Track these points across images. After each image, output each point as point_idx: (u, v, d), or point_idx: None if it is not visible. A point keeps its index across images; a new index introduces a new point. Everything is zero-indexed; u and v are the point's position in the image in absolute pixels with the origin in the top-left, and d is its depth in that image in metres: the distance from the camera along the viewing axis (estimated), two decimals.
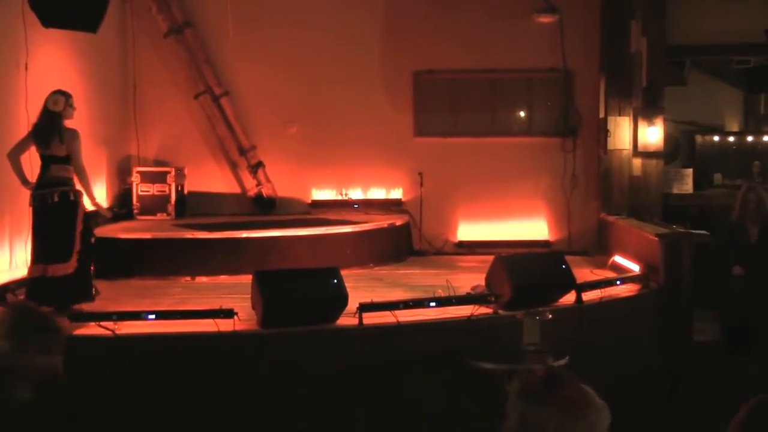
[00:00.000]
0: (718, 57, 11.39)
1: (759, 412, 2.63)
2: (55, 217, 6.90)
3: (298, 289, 6.35)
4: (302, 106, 11.26)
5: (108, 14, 7.83)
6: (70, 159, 7.00)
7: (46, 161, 6.98)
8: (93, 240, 7.16)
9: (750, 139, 12.44)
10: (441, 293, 7.16)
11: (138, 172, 10.76)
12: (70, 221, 6.90)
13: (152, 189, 10.70)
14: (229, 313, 6.18)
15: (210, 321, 6.16)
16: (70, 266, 6.81)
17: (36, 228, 6.93)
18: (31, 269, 6.87)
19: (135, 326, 6.18)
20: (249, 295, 6.52)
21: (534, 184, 11.29)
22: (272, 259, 8.77)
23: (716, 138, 12.40)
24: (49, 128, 6.95)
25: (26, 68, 7.94)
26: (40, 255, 6.84)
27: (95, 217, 7.32)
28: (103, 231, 9.22)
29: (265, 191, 11.35)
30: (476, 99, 11.41)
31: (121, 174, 10.89)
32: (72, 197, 6.95)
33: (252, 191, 11.35)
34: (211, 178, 11.38)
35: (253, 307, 6.43)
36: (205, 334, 6.11)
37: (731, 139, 12.46)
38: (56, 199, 6.87)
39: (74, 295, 6.85)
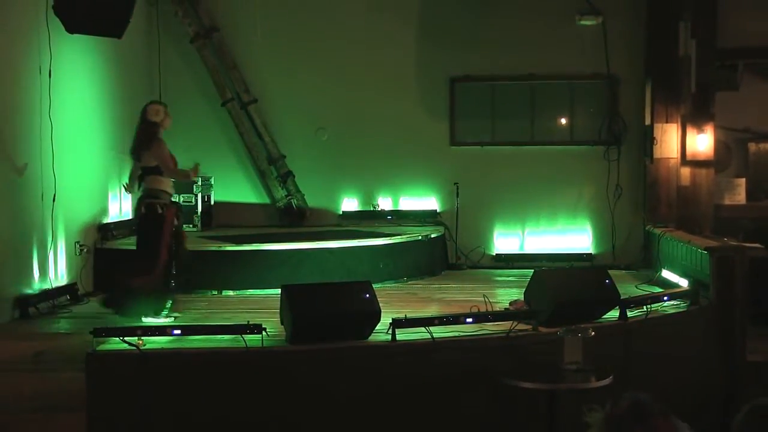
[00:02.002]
0: None
1: (755, 415, 2.65)
2: (145, 230, 7.40)
3: (329, 304, 6.38)
4: (333, 113, 11.35)
5: (133, 19, 7.96)
6: (161, 170, 7.39)
7: (142, 171, 7.44)
8: (182, 255, 7.53)
9: None
10: (478, 308, 7.17)
11: None
12: (154, 234, 7.30)
13: (178, 199, 10.81)
14: (257, 329, 6.22)
15: (237, 337, 6.22)
16: (151, 280, 7.21)
17: (136, 238, 7.53)
18: (123, 276, 7.29)
19: (160, 342, 6.24)
20: (278, 310, 6.55)
21: (576, 195, 11.27)
22: (302, 273, 8.83)
23: None
24: (144, 139, 7.37)
25: (50, 74, 8.09)
26: (132, 265, 7.38)
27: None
28: (127, 243, 9.35)
29: (295, 202, 11.42)
30: (515, 106, 11.43)
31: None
32: (159, 210, 7.32)
33: (281, 202, 11.44)
34: (239, 188, 11.48)
35: (282, 323, 6.46)
36: (232, 350, 6.16)
37: None
38: (143, 210, 7.34)
39: (148, 310, 7.20)
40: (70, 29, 7.59)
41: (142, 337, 6.12)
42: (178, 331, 6.33)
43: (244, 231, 10.54)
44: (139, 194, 7.56)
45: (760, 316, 9.01)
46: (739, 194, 11.13)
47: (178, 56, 11.40)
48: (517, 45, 11.14)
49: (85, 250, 8.95)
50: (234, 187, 11.41)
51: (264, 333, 6.22)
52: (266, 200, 11.58)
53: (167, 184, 7.51)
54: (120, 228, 9.77)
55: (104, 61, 9.67)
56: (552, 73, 11.25)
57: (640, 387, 6.52)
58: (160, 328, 6.39)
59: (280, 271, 8.83)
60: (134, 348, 6.01)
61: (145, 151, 7.41)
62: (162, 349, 6.14)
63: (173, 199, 7.70)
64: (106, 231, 9.45)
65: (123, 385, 5.93)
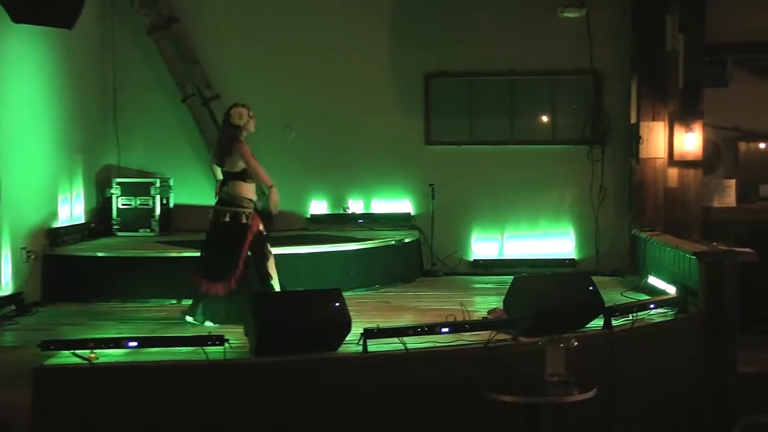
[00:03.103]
0: (763, 56, 11.36)
1: None
2: (223, 237, 7.69)
3: (296, 314, 6.35)
4: (301, 111, 11.31)
5: (85, 9, 7.90)
6: (246, 174, 7.71)
7: (224, 176, 7.80)
8: (267, 264, 7.81)
9: None
10: (455, 317, 7.15)
11: (118, 183, 10.82)
12: (236, 244, 7.64)
13: (134, 202, 10.75)
14: (219, 340, 6.18)
15: (198, 349, 6.16)
16: (225, 287, 7.55)
17: (206, 241, 7.84)
18: (193, 278, 7.68)
19: (114, 355, 6.18)
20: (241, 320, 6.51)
21: (558, 197, 11.31)
22: None
23: (762, 145, 12.31)
24: (227, 144, 7.70)
25: None
26: (203, 269, 7.68)
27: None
28: (78, 249, 9.28)
29: (260, 205, 11.35)
30: (494, 103, 11.45)
31: (99, 186, 10.94)
32: (244, 220, 7.67)
33: None
34: (200, 190, 11.36)
35: (246, 334, 6.43)
36: (193, 363, 6.11)
37: None
38: (227, 219, 7.67)
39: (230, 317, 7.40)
40: (17, 19, 7.50)
41: (95, 350, 6.05)
42: (134, 343, 6.26)
43: None
44: (216, 200, 7.91)
45: (751, 325, 9.08)
46: (729, 196, 11.17)
47: (135, 49, 11.33)
48: (496, 39, 11.16)
49: (32, 256, 8.83)
50: (195, 189, 11.32)
51: (227, 344, 6.18)
52: None
53: (251, 190, 7.83)
54: (71, 233, 9.68)
55: (54, 54, 9.57)
56: (533, 69, 11.27)
57: (626, 400, 6.55)
58: (114, 339, 6.32)
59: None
60: (86, 362, 5.95)
61: (228, 156, 7.70)
62: (116, 362, 6.08)
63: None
64: (55, 236, 9.35)
65: (73, 403, 5.85)
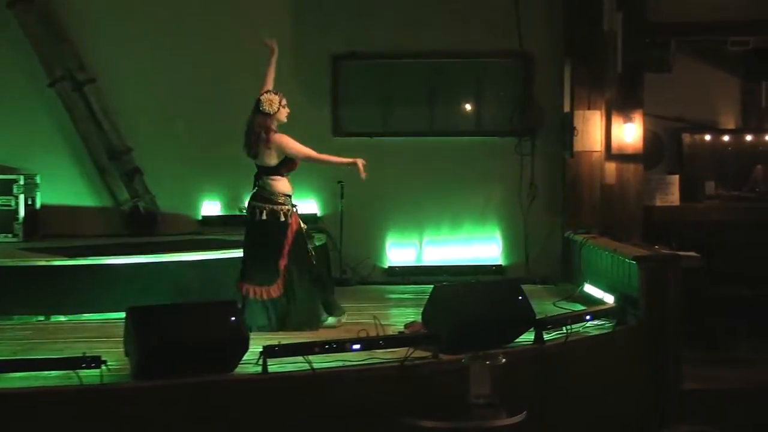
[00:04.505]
0: (711, 37, 11.58)
1: None
2: (262, 236, 8.04)
3: (184, 330, 6.29)
4: (191, 99, 11.24)
5: None
6: (283, 167, 8.03)
7: (258, 171, 8.10)
8: (312, 262, 8.21)
9: (749, 138, 12.67)
10: (367, 332, 7.17)
11: None
12: (276, 243, 8.00)
13: None
14: (95, 362, 6.10)
15: (70, 372, 6.08)
16: (274, 290, 7.94)
17: (246, 242, 8.19)
18: (239, 284, 8.02)
19: None
20: (121, 339, 6.44)
21: (483, 196, 11.43)
22: (152, 292, 8.66)
23: (708, 137, 12.61)
24: (255, 134, 8.00)
25: None
26: (247, 273, 8.06)
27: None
28: None
29: (143, 205, 11.27)
30: (412, 89, 11.54)
31: None
32: (282, 218, 7.98)
33: (126, 205, 11.31)
34: (72, 189, 11.27)
35: (127, 354, 6.36)
36: (64, 389, 6.02)
37: (726, 138, 12.67)
38: (264, 217, 7.96)
39: (294, 322, 7.95)
40: None
41: None
42: None
43: (80, 241, 10.34)
44: (251, 195, 8.18)
45: (697, 337, 9.27)
46: (672, 194, 11.42)
47: None
48: (414, 16, 11.24)
49: None
50: (66, 188, 11.21)
51: (104, 367, 6.11)
52: (107, 203, 11.43)
53: (288, 185, 8.13)
54: None
55: None
56: (455, 50, 11.37)
57: (560, 423, 6.65)
58: None
59: (124, 290, 8.68)
60: None
61: (264, 149, 7.97)
62: None
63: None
64: None
65: None
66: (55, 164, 11.19)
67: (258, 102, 8.13)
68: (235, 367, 6.42)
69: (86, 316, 8.70)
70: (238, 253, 9.55)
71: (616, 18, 10.66)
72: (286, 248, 8.02)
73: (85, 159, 11.33)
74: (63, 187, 11.17)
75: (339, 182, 11.14)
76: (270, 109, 8.08)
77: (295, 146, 8.03)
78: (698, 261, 8.50)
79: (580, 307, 8.76)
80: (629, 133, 10.79)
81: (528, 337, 7.35)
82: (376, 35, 11.27)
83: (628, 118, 10.78)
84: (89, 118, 11.17)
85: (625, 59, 10.67)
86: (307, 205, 11.35)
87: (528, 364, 7.04)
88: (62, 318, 8.71)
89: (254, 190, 8.16)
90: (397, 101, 11.55)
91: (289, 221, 8.05)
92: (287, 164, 8.09)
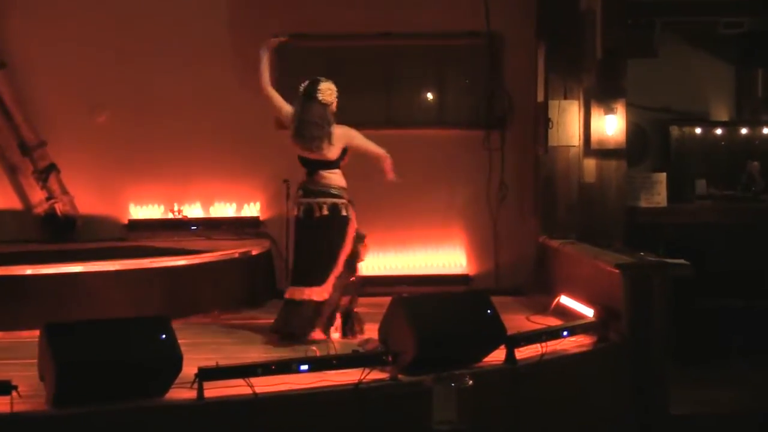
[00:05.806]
0: (701, 18, 11.66)
1: None
2: (320, 234, 8.32)
3: (109, 349, 6.28)
4: (116, 86, 11.23)
5: None
6: (341, 160, 8.39)
7: (313, 165, 8.36)
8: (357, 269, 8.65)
9: (744, 131, 12.76)
10: (317, 352, 7.17)
11: None
12: (336, 240, 8.35)
13: None
14: (4, 388, 6.05)
15: None
16: (325, 291, 8.25)
17: (297, 243, 8.48)
18: (289, 290, 8.33)
19: None
20: (36, 360, 6.42)
21: (447, 196, 11.47)
22: (71, 307, 8.68)
23: (699, 130, 12.69)
24: (322, 126, 8.26)
25: None
26: (297, 275, 8.36)
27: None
28: None
29: (61, 207, 11.20)
30: (366, 75, 11.54)
31: None
32: (344, 212, 8.38)
33: (41, 207, 11.26)
34: None
35: (42, 378, 6.33)
36: None
37: (719, 131, 12.76)
38: (325, 212, 8.28)
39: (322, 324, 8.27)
40: None
41: None
42: None
43: None
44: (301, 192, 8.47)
45: (685, 354, 9.34)
46: (658, 194, 11.47)
47: None
48: None
49: None
50: None
51: (15, 393, 6.06)
52: (18, 205, 11.38)
53: (344, 179, 8.48)
54: None
55: None
56: (414, 32, 11.40)
57: None
58: None
59: (39, 304, 8.64)
60: None
61: (327, 142, 8.28)
62: None
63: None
64: None
65: None
66: None
67: (317, 91, 8.36)
68: (167, 391, 6.40)
69: None
70: (168, 262, 9.62)
71: None
72: (348, 246, 8.40)
73: None
74: None
75: (285, 181, 11.07)
76: (330, 100, 8.40)
77: (362, 139, 8.54)
78: (688, 269, 8.54)
79: (556, 322, 8.80)
80: (610, 125, 10.83)
81: (498, 355, 7.38)
82: (325, 14, 11.27)
83: (609, 109, 10.81)
84: None
85: (605, 43, 10.71)
86: (247, 207, 11.35)
87: (498, 386, 7.09)
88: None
89: (307, 186, 8.42)
90: (348, 89, 11.43)
91: (350, 216, 8.42)
92: (345, 157, 8.44)
